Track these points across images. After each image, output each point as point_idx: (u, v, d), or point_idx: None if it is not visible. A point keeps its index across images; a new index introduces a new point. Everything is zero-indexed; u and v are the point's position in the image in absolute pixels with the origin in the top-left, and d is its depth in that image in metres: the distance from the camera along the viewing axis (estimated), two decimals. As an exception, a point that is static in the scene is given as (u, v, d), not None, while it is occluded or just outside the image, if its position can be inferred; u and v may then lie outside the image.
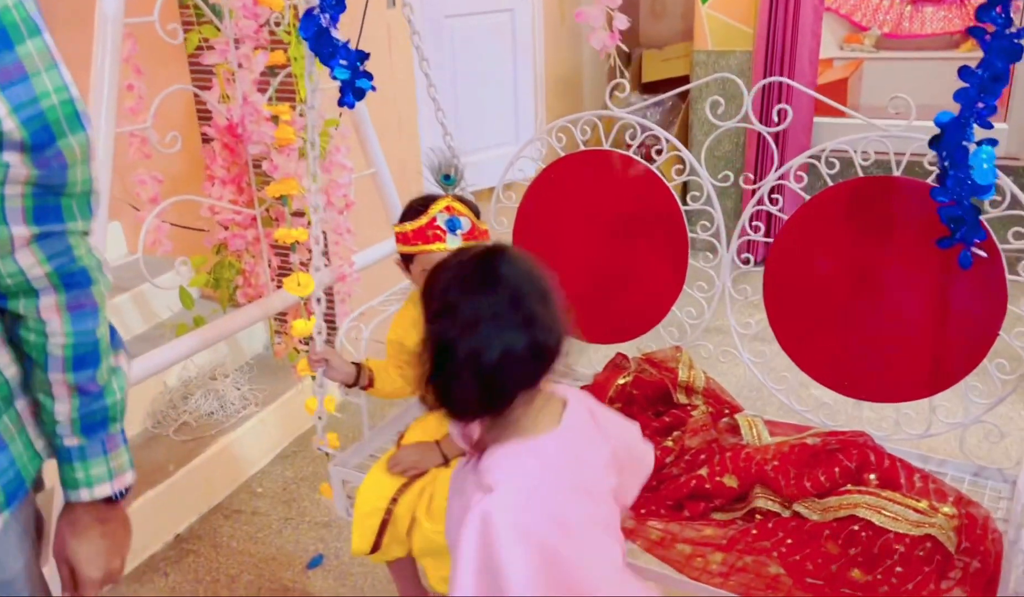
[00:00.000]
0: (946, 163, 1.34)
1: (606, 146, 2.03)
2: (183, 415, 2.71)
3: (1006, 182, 1.53)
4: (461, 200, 1.70)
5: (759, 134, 1.85)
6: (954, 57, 4.46)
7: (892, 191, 1.65)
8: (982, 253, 1.43)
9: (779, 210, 1.84)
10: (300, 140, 1.97)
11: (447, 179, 1.74)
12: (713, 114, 1.82)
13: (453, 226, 1.65)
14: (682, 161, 1.97)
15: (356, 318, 1.98)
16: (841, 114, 1.81)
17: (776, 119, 1.80)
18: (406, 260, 1.74)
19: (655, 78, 4.82)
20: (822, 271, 1.77)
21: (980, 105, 1.28)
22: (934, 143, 1.36)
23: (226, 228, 2.01)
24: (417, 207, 1.70)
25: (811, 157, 1.81)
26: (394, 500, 1.66)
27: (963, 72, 1.30)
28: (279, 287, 2.10)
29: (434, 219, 1.65)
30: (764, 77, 3.95)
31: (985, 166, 1.30)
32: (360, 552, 1.69)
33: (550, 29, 4.37)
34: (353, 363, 1.82)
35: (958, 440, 1.77)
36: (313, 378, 1.87)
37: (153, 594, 2.27)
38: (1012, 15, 1.21)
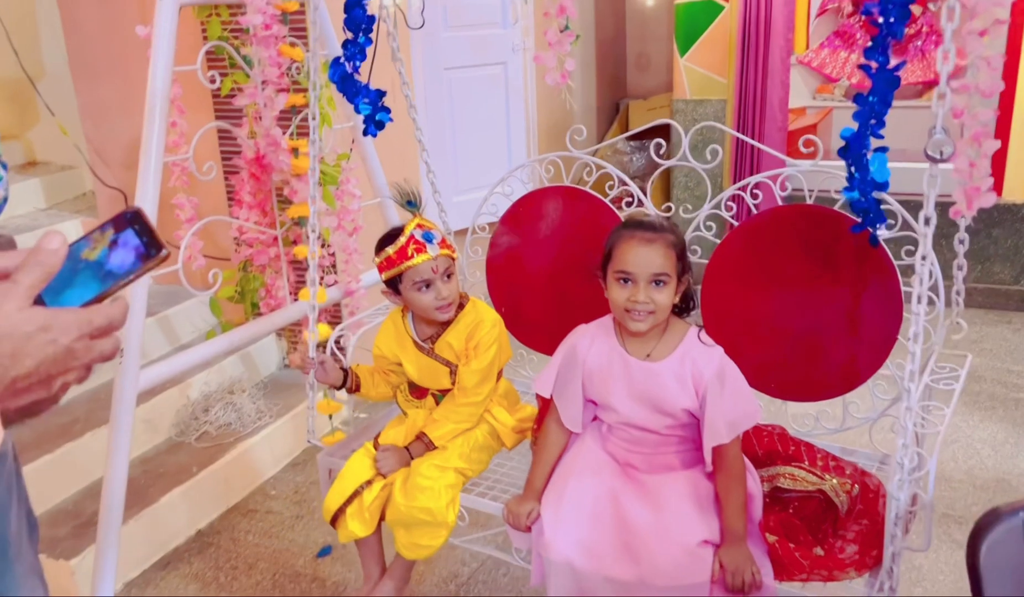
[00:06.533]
0: (852, 167, 1.64)
1: (567, 183, 2.24)
2: (204, 425, 2.98)
3: (897, 207, 1.77)
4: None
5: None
6: (916, 105, 4.80)
7: (806, 217, 1.88)
8: (887, 232, 1.70)
9: (713, 235, 2.07)
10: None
11: (411, 204, 1.93)
12: (656, 154, 2.10)
13: (429, 237, 1.87)
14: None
15: (344, 328, 2.22)
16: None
17: (709, 158, 2.02)
18: (392, 285, 1.94)
19: (640, 126, 5.15)
20: (748, 288, 1.99)
21: (873, 122, 1.57)
22: (842, 152, 1.64)
23: (251, 246, 2.30)
24: (391, 234, 1.91)
25: (739, 189, 2.04)
26: (368, 482, 1.93)
27: (857, 98, 1.58)
28: (295, 300, 2.38)
29: (411, 236, 1.87)
30: (738, 123, 4.27)
31: (880, 167, 1.60)
32: (328, 512, 1.93)
33: (541, 82, 4.73)
34: (341, 368, 2.05)
35: (868, 433, 1.98)
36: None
37: (178, 579, 2.52)
38: (890, 55, 1.51)
